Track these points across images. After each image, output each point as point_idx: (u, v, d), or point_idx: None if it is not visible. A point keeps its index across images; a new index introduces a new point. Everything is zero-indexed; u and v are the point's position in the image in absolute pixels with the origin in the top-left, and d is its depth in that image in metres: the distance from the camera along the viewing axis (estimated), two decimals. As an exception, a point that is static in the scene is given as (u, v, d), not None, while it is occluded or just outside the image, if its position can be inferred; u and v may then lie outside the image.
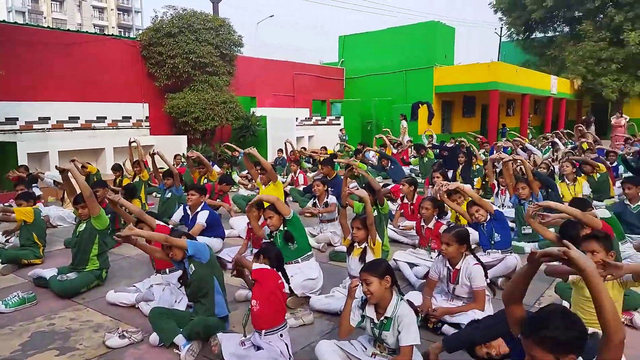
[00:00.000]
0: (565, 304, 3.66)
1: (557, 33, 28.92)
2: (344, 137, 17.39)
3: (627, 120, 17.67)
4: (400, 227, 6.23)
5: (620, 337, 1.68)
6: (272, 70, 18.82)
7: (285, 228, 4.37)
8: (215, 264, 3.48)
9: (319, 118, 19.38)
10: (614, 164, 10.13)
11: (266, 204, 4.58)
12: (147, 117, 14.34)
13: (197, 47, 13.44)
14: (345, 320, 2.88)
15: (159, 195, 7.99)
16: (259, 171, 7.03)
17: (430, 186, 7.72)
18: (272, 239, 4.45)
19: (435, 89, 20.21)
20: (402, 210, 6.51)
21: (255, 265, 3.11)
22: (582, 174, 8.11)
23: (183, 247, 3.30)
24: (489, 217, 4.79)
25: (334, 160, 8.94)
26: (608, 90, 24.19)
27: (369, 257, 3.80)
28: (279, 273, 3.21)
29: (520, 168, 7.30)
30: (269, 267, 3.15)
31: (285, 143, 12.69)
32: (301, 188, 9.24)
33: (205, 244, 3.49)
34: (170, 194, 7.32)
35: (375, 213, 4.93)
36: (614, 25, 23.80)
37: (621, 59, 23.59)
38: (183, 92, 13.88)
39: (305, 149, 14.65)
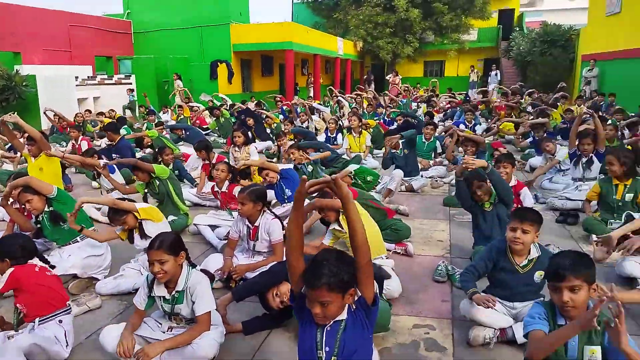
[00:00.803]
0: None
1: (342, -3, 31.26)
2: (131, 98, 15.90)
3: (400, 78, 20.24)
4: (203, 193, 6.01)
5: (367, 258, 1.89)
6: (42, 21, 15.86)
7: (51, 208, 3.71)
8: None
9: (105, 77, 17.23)
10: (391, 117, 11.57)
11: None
12: None
13: None
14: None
15: None
16: (27, 142, 5.85)
17: (232, 145, 7.62)
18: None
19: (233, 47, 19.88)
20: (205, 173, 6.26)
21: (1, 281, 2.56)
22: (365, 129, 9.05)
23: None
24: (278, 177, 5.17)
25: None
26: (384, 52, 27.39)
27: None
28: (32, 261, 2.71)
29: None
30: (12, 268, 2.62)
31: (44, 113, 10.94)
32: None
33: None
34: None
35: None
36: (387, -9, 26.76)
37: (393, 23, 26.80)
38: None
39: (90, 111, 12.90)
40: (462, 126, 9.71)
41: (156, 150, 6.84)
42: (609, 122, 8.63)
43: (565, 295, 1.91)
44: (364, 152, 8.20)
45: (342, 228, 3.48)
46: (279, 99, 15.45)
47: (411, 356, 2.77)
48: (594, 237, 4.24)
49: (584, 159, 5.54)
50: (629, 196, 4.38)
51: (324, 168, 7.02)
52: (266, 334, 2.99)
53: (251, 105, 13.64)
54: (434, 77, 33.77)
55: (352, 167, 6.03)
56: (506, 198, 3.75)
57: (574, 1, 31.14)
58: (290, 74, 20.45)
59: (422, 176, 6.79)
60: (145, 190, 5.03)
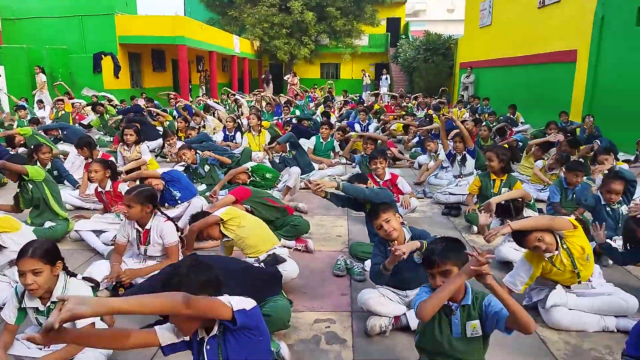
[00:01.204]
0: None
1: (236, -6, 30.79)
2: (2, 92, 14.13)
3: (298, 79, 20.45)
4: (86, 194, 5.50)
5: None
6: None
7: None
8: None
9: (-34, 67, 15.07)
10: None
11: None
12: None
13: None
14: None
15: None
16: None
17: (120, 144, 7.09)
18: None
19: (119, 39, 18.54)
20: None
21: None
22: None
23: None
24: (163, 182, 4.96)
25: None
26: (281, 52, 27.52)
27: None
28: None
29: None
30: None
31: None
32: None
33: None
34: None
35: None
36: (281, -7, 26.93)
37: (289, 24, 27.03)
38: None
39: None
40: (357, 126, 10.09)
41: (31, 148, 6.10)
42: (484, 123, 9.57)
43: (438, 280, 2.05)
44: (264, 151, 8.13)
45: (228, 237, 3.42)
46: (172, 96, 14.76)
47: (313, 351, 2.78)
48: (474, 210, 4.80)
49: (459, 157, 6.16)
50: (504, 190, 4.86)
51: (221, 168, 6.82)
52: (161, 343, 2.80)
53: (141, 102, 12.86)
54: (330, 78, 34.87)
55: (250, 164, 5.96)
56: (386, 199, 3.80)
57: (453, 13, 34.18)
58: (184, 71, 19.64)
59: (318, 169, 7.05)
60: (18, 193, 4.46)
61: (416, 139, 9.21)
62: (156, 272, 3.05)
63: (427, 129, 8.61)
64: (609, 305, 2.95)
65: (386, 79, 24.96)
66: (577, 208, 4.84)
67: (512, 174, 5.08)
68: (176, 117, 11.14)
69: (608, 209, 4.08)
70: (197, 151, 6.23)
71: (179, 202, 4.87)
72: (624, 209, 4.03)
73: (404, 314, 2.96)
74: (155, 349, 2.74)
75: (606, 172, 4.80)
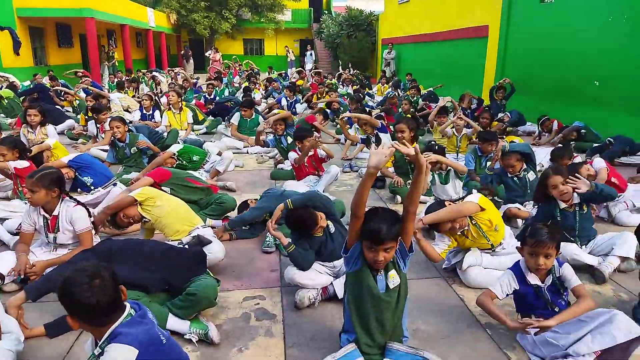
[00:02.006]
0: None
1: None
2: None
3: (221, 55, 19.79)
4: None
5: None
6: None
7: None
8: None
9: None
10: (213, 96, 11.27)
11: None
12: None
13: None
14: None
15: None
16: None
17: (23, 126, 6.47)
18: None
19: (17, 12, 16.74)
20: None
21: None
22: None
23: None
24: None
25: None
26: (200, 27, 26.39)
27: None
28: None
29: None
30: None
31: None
32: None
33: None
34: None
35: None
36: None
37: (208, -2, 25.94)
38: None
39: None
40: (283, 101, 10.00)
41: None
42: (405, 97, 9.87)
43: (381, 256, 2.10)
44: (186, 129, 7.81)
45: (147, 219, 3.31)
46: (81, 73, 13.66)
47: (243, 328, 2.74)
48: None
49: (373, 138, 6.32)
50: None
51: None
52: (76, 335, 2.63)
53: (46, 81, 11.79)
54: (254, 55, 34.13)
55: (176, 148, 5.66)
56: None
57: (374, -11, 34.51)
58: (93, 46, 18.21)
59: (247, 152, 6.93)
60: None
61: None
62: (66, 261, 2.82)
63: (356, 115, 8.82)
64: (519, 262, 3.20)
65: (311, 55, 24.87)
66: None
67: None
68: (85, 97, 10.35)
69: (515, 179, 4.45)
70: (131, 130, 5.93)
71: (92, 187, 4.54)
72: (530, 175, 4.39)
73: (331, 283, 3.01)
74: (68, 344, 2.57)
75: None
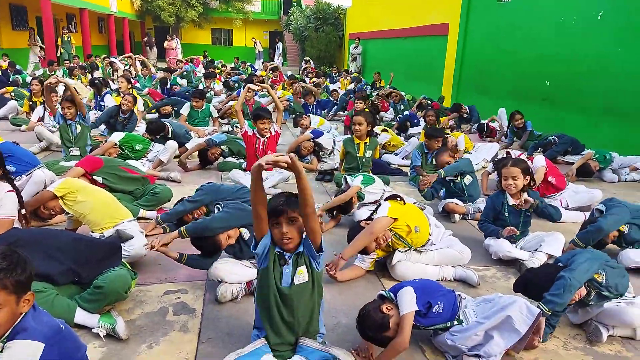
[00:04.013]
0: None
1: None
2: None
3: (178, 42, 19.23)
4: None
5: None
6: None
7: None
8: None
9: None
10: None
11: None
12: None
13: None
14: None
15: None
16: None
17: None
18: None
19: (-35, -10, 15.90)
20: None
21: None
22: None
23: None
24: None
25: None
26: (165, 14, 25.72)
27: None
28: None
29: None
30: None
31: None
32: None
33: None
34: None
35: None
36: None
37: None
38: None
39: None
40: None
41: None
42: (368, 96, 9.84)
43: (284, 227, 2.04)
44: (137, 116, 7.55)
45: None
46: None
47: (157, 323, 2.64)
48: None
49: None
50: (369, 152, 5.04)
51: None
52: None
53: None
54: (222, 45, 33.54)
55: (117, 137, 5.48)
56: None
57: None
58: (49, 30, 17.45)
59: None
60: None
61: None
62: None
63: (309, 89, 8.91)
64: (446, 257, 3.21)
65: (278, 48, 24.64)
66: (436, 170, 5.18)
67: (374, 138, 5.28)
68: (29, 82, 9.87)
69: (452, 184, 4.53)
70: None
71: (13, 176, 4.29)
72: (466, 180, 4.48)
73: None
74: None
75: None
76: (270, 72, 14.37)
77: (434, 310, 2.39)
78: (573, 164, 6.09)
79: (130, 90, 7.84)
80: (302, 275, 2.12)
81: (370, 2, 18.36)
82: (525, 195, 3.44)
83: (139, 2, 26.11)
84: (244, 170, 5.40)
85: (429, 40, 13.32)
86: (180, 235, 3.04)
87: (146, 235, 3.44)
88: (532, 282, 2.57)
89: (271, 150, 5.19)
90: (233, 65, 19.10)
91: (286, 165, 1.85)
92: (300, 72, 15.64)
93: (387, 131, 7.21)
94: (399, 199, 3.23)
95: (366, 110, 6.80)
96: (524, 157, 4.79)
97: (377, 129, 7.20)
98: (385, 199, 3.24)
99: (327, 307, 2.65)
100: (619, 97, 6.96)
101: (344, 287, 3.08)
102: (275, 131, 5.07)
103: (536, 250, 3.44)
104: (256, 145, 5.01)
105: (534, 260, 3.32)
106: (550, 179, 4.59)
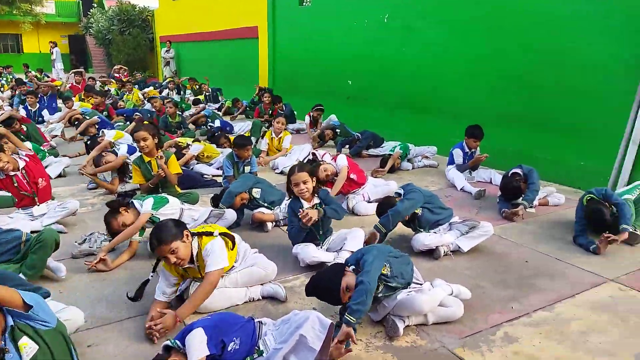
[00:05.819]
0: None
1: None
2: None
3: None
4: None
5: None
6: None
7: None
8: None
9: None
10: None
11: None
12: None
13: None
14: None
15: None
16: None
17: None
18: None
19: None
20: None
21: None
22: None
23: None
24: None
25: None
26: None
27: None
28: None
29: None
30: None
31: None
32: None
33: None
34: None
35: None
36: None
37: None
38: None
39: None
40: (22, 111, 8.37)
41: None
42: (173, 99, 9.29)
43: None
44: None
45: None
46: None
47: None
48: None
49: None
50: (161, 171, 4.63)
51: None
52: None
53: None
54: (10, 52, 29.09)
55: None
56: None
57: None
58: None
59: None
60: None
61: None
62: None
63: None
64: (252, 277, 3.04)
65: (53, 52, 21.90)
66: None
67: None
68: None
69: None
70: None
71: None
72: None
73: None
74: None
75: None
76: (73, 76, 12.84)
77: (229, 349, 2.17)
78: (377, 157, 6.58)
79: None
80: (28, 347, 1.72)
81: (178, 4, 17.55)
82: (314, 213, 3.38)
83: None
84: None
85: (241, 42, 13.24)
86: None
87: None
88: (320, 286, 2.56)
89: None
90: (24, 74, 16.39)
91: None
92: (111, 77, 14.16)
93: (199, 141, 6.85)
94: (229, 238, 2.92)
95: (148, 123, 6.34)
96: (327, 157, 4.95)
97: (188, 140, 6.83)
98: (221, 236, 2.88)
99: None
100: (409, 93, 7.75)
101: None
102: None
103: (340, 249, 3.50)
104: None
105: (340, 260, 3.36)
106: (352, 176, 4.80)
